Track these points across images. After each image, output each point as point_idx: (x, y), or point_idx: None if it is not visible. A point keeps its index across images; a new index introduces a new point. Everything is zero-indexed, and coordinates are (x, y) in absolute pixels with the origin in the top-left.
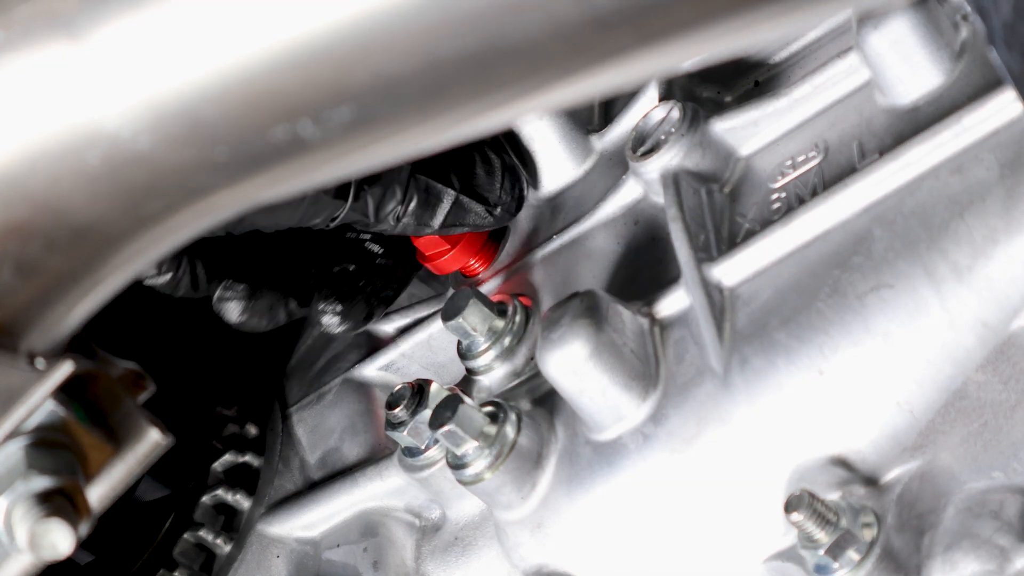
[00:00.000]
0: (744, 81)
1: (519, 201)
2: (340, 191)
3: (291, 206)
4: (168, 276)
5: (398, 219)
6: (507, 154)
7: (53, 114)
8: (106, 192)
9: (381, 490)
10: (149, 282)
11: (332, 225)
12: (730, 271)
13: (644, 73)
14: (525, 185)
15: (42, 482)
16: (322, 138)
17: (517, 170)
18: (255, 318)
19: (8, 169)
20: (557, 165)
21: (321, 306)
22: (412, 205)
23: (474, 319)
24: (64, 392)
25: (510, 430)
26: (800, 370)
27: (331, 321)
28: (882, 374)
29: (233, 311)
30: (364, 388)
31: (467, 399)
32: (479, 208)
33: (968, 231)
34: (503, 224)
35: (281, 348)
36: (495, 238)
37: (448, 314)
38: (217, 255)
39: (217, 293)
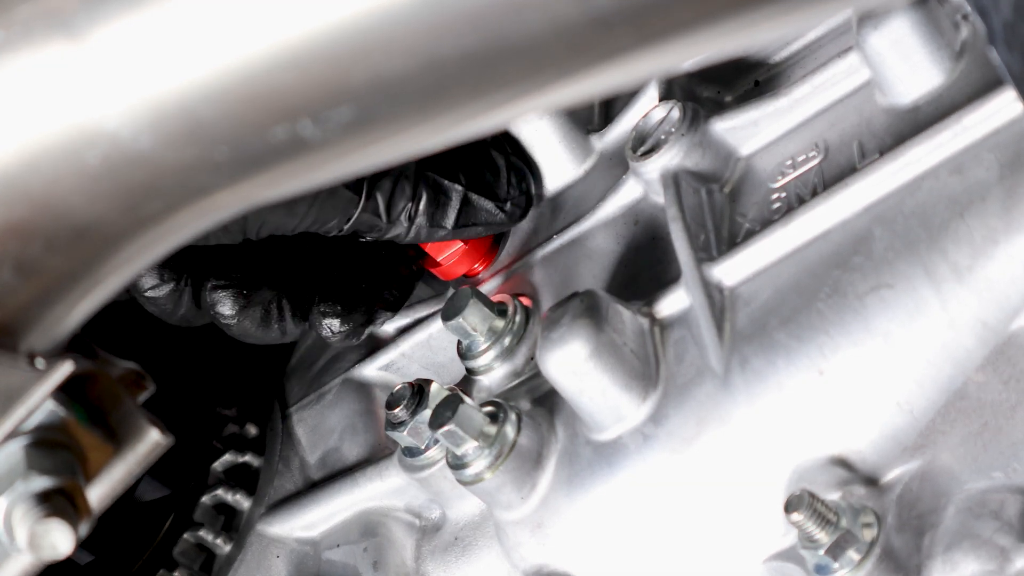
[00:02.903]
0: (744, 81)
1: (529, 197)
2: (352, 190)
3: (307, 202)
4: (165, 292)
5: (411, 219)
6: (511, 155)
7: (53, 114)
8: (106, 192)
9: (381, 490)
10: (152, 308)
11: (346, 228)
12: (730, 271)
13: (644, 73)
14: (532, 183)
15: (42, 482)
16: (322, 138)
17: (522, 169)
18: (247, 320)
19: (8, 169)
20: (557, 165)
21: (322, 308)
22: (423, 203)
23: (474, 319)
24: (64, 392)
25: (510, 430)
26: (800, 370)
27: (329, 328)
28: (882, 374)
29: (226, 306)
30: (364, 388)
31: (467, 399)
32: (489, 205)
33: (968, 231)
34: (515, 222)
35: (281, 348)
36: (496, 239)
37: (448, 314)
38: (214, 267)
39: (209, 285)
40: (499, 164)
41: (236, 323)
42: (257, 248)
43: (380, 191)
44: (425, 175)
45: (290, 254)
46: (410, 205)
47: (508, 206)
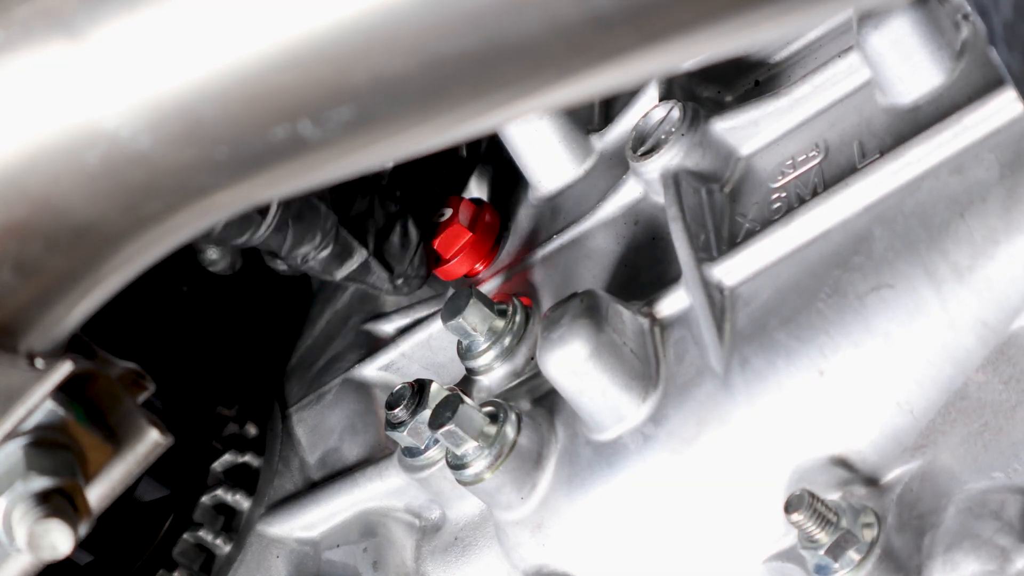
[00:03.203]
0: (744, 81)
1: (424, 281)
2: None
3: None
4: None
5: (305, 260)
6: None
7: (53, 114)
8: (106, 192)
9: (381, 490)
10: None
11: (241, 245)
12: (730, 271)
13: (644, 73)
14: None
15: (41, 482)
16: (322, 138)
17: (433, 253)
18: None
19: (8, 169)
20: (557, 165)
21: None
22: (325, 253)
23: (474, 319)
24: (64, 392)
25: (510, 430)
26: (800, 370)
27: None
28: (882, 374)
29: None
30: (364, 388)
31: (467, 399)
32: (383, 274)
33: (968, 231)
34: (400, 295)
35: (281, 348)
36: (496, 239)
37: (448, 314)
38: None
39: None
40: (412, 238)
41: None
42: None
43: (292, 231)
44: (339, 231)
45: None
46: (312, 252)
47: (399, 282)
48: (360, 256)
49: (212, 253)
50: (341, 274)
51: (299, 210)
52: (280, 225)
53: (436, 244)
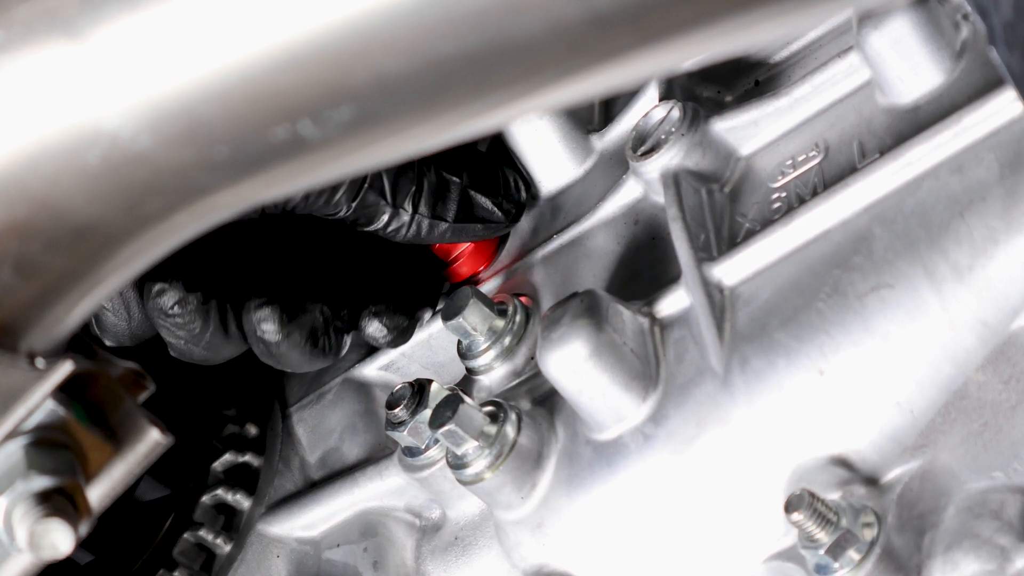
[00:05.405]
0: (744, 81)
1: (521, 203)
2: None
3: None
4: (192, 308)
5: (415, 207)
6: (505, 163)
7: (53, 114)
8: (106, 192)
9: (381, 490)
10: (175, 336)
11: (354, 207)
12: (730, 271)
13: (644, 73)
14: (525, 188)
15: (42, 482)
16: (322, 138)
17: (516, 173)
18: (294, 336)
19: (8, 169)
20: (557, 165)
21: (373, 309)
22: (425, 192)
23: (474, 319)
24: (64, 392)
25: (510, 430)
26: (800, 370)
27: (380, 331)
28: (882, 374)
29: (270, 323)
30: (364, 388)
31: (467, 399)
32: (487, 203)
33: (968, 231)
34: (512, 222)
35: None
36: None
37: (448, 314)
38: (250, 289)
39: (253, 304)
40: (494, 167)
41: (283, 340)
42: (291, 271)
43: (385, 173)
44: (426, 167)
45: (325, 271)
46: (413, 189)
47: (505, 204)
48: (456, 188)
49: (174, 300)
50: (451, 213)
51: None
52: (375, 173)
53: (436, 248)
